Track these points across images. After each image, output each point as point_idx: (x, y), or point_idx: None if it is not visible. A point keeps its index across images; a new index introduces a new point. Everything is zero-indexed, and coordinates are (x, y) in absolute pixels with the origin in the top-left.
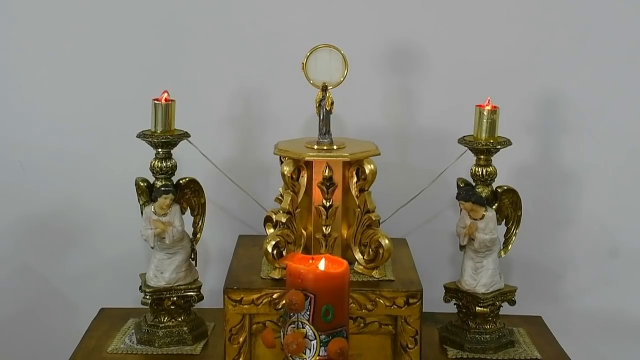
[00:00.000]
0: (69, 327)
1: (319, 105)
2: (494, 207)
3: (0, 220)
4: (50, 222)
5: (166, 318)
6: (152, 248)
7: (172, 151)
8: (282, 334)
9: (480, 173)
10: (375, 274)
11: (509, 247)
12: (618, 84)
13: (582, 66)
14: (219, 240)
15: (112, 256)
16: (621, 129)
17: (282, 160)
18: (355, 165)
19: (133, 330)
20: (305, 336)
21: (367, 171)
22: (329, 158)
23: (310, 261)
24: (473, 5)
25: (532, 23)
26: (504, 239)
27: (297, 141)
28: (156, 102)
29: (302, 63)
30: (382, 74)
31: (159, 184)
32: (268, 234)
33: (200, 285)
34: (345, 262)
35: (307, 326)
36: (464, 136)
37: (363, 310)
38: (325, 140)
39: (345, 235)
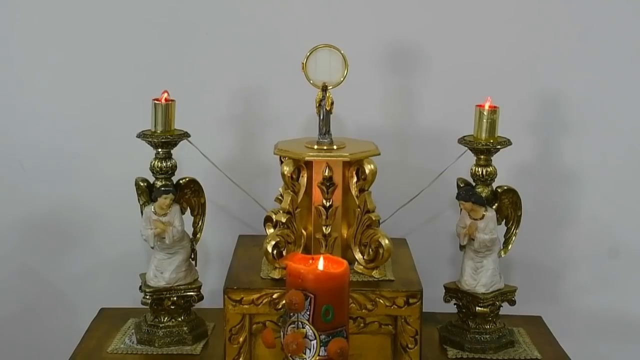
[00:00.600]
0: (69, 327)
1: (319, 105)
2: (494, 207)
3: (0, 220)
4: (50, 222)
5: (166, 318)
6: (152, 248)
7: (172, 151)
8: (282, 334)
9: (480, 173)
10: (375, 274)
11: (509, 247)
12: (618, 84)
13: (582, 66)
14: (219, 240)
15: (112, 256)
16: (621, 129)
17: (282, 160)
18: (355, 165)
19: (133, 330)
20: (305, 336)
21: (367, 171)
22: (329, 158)
23: (310, 261)
24: (473, 6)
25: (532, 23)
26: (504, 239)
27: (297, 141)
28: (156, 102)
29: (302, 63)
30: (382, 74)
31: (159, 184)
32: (268, 234)
33: (200, 285)
34: (345, 262)
35: (307, 326)
36: (464, 136)
37: (363, 310)
38: (325, 140)
39: (345, 235)
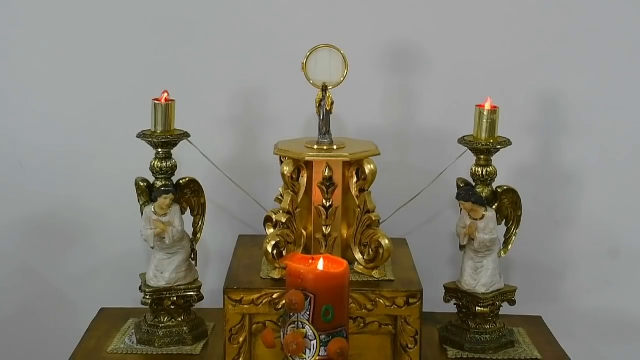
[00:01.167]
0: (69, 327)
1: (319, 105)
2: (494, 207)
3: (0, 220)
4: (50, 222)
5: (166, 318)
6: (152, 248)
7: (172, 151)
8: (282, 334)
9: (480, 173)
10: (375, 274)
11: (509, 247)
12: (618, 83)
13: (582, 66)
14: (219, 240)
15: (112, 256)
16: (621, 129)
17: (282, 160)
18: (355, 165)
19: (133, 331)
20: (305, 336)
21: (367, 171)
22: (329, 158)
23: (310, 261)
24: (473, 5)
25: (532, 23)
26: (504, 239)
27: (297, 141)
28: (156, 102)
29: (302, 63)
30: (382, 74)
31: (159, 184)
32: (268, 234)
33: (200, 285)
34: (345, 262)
35: (307, 326)
36: (464, 136)
37: (363, 310)
38: (325, 140)
39: (345, 235)
